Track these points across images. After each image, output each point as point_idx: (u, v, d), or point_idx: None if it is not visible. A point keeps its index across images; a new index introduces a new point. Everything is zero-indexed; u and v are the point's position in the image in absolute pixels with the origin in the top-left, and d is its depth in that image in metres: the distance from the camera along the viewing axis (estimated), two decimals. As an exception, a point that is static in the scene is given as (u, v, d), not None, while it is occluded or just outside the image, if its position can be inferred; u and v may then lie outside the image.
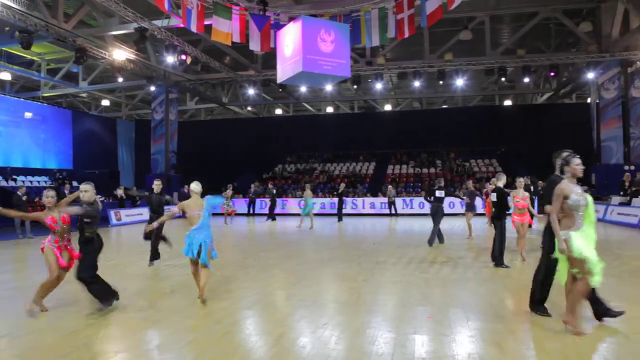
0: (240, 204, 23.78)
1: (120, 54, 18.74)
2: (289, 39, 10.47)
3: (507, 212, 8.70)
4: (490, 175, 22.58)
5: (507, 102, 30.90)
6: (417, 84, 21.52)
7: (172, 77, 23.94)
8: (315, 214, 22.71)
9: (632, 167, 19.08)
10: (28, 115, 24.70)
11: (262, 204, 23.76)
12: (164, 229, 9.30)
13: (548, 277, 5.25)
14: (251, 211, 23.60)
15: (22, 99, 25.46)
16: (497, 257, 8.47)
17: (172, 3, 12.61)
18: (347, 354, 4.34)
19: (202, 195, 6.41)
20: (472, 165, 27.40)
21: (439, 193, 11.50)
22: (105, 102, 30.74)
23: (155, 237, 9.15)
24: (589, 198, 4.74)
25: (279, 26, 12.44)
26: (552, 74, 20.92)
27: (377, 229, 16.94)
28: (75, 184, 20.84)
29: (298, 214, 17.68)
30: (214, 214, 6.44)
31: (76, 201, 6.08)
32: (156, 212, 9.10)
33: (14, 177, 22.26)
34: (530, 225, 13.48)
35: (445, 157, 28.52)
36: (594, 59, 19.76)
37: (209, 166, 28.51)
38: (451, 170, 26.77)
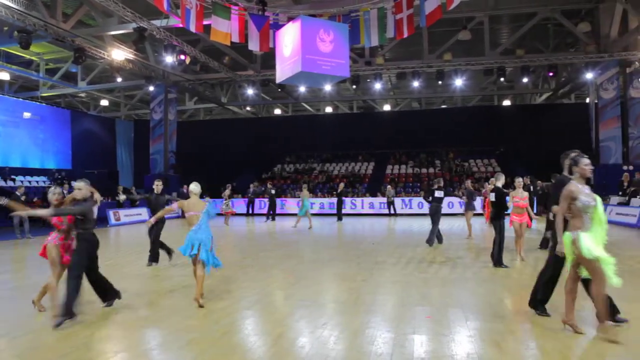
0: (240, 204, 23.78)
1: (119, 54, 18.71)
2: (288, 39, 10.47)
3: (506, 212, 8.70)
4: (489, 175, 22.59)
5: (506, 102, 30.93)
6: (416, 84, 21.52)
7: (171, 77, 23.93)
8: (315, 214, 22.79)
9: (631, 167, 19.11)
10: (27, 115, 24.67)
11: (261, 204, 23.76)
12: (166, 234, 9.29)
13: (553, 279, 5.20)
14: (250, 211, 23.59)
15: (20, 99, 25.43)
16: (496, 257, 8.48)
17: (171, 3, 12.60)
18: (346, 354, 4.34)
19: (202, 195, 6.40)
20: (471, 165, 27.42)
21: (438, 193, 11.50)
22: (104, 102, 30.72)
23: (155, 238, 9.13)
24: (598, 199, 4.68)
25: (278, 26, 12.43)
26: (550, 74, 20.94)
27: (376, 229, 16.95)
28: (74, 184, 20.80)
29: (297, 214, 17.67)
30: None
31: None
32: (157, 212, 9.10)
33: (13, 177, 22.23)
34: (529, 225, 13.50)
35: (444, 157, 28.54)
36: (592, 59, 19.78)
37: (208, 166, 28.50)
38: (450, 170, 26.79)
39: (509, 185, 12.15)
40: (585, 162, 4.75)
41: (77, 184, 5.67)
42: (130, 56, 19.41)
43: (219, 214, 19.53)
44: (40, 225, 17.29)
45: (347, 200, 23.01)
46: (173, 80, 24.23)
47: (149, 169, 25.20)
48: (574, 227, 4.62)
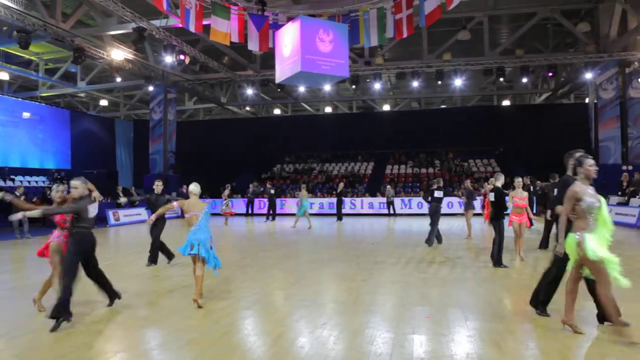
0: (239, 204, 23.78)
1: (119, 54, 18.70)
2: (288, 39, 10.47)
3: (505, 212, 8.71)
4: (488, 175, 22.60)
5: (506, 102, 30.93)
6: (415, 84, 21.52)
7: (170, 77, 23.92)
8: (315, 214, 22.78)
9: (630, 167, 19.12)
10: (26, 115, 24.65)
11: (261, 204, 23.77)
12: (166, 234, 9.28)
13: (556, 280, 5.16)
14: (250, 211, 23.59)
15: (20, 99, 25.40)
16: (496, 257, 8.48)
17: (171, 3, 12.59)
18: (345, 354, 4.35)
19: (201, 195, 6.40)
20: (470, 165, 27.43)
21: (437, 193, 11.50)
22: (104, 102, 30.70)
23: (155, 238, 9.13)
24: (603, 200, 4.65)
25: (277, 26, 12.43)
26: (550, 74, 20.94)
27: (375, 229, 16.95)
28: (71, 182, 20.78)
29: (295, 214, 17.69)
30: (213, 214, 6.42)
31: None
32: None
33: (12, 177, 22.22)
34: (531, 225, 13.50)
35: (443, 157, 28.55)
36: (592, 59, 19.79)
37: (207, 166, 28.49)
38: (450, 170, 26.80)
39: (509, 185, 12.16)
40: (590, 163, 4.70)
41: (73, 183, 5.65)
42: (130, 56, 19.40)
43: (218, 214, 19.57)
44: (40, 226, 17.28)
45: (347, 200, 23.00)
46: (172, 80, 24.22)
47: (149, 169, 25.18)
48: (578, 228, 4.59)
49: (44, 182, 23.71)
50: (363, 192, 25.20)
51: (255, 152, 30.57)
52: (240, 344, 4.71)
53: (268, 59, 20.11)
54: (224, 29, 12.50)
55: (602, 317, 4.96)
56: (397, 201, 22.73)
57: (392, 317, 5.47)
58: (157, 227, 9.03)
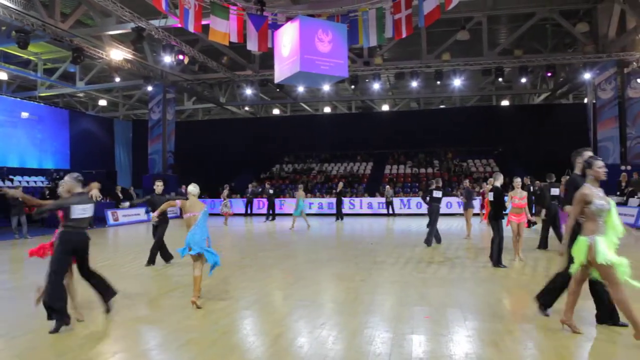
0: (238, 204, 23.78)
1: (118, 54, 18.68)
2: (287, 39, 10.47)
3: (504, 212, 8.72)
4: (487, 175, 22.63)
5: (505, 103, 30.94)
6: (414, 84, 21.51)
7: (169, 77, 23.89)
8: (314, 214, 22.78)
9: (629, 167, 19.14)
10: (25, 115, 24.61)
11: (260, 204, 23.77)
12: (166, 236, 9.28)
13: (564, 284, 5.02)
14: (249, 211, 23.59)
15: (18, 99, 25.36)
16: (495, 257, 8.49)
17: (170, 3, 12.57)
18: (344, 354, 4.35)
19: (200, 195, 6.40)
20: (469, 166, 27.45)
21: (436, 193, 11.52)
22: (103, 102, 30.66)
23: (158, 238, 9.13)
24: (612, 202, 4.58)
25: (276, 26, 12.44)
26: (549, 74, 20.94)
27: (374, 229, 16.96)
28: None
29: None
30: (213, 214, 6.42)
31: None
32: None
33: (11, 177, 22.18)
34: (529, 225, 13.53)
35: (442, 157, 28.56)
36: (590, 60, 19.81)
37: (206, 166, 28.48)
38: (449, 170, 26.82)
39: (508, 185, 12.18)
40: (600, 165, 4.63)
41: (64, 178, 5.63)
42: (129, 56, 19.38)
43: (218, 214, 19.56)
44: (39, 226, 17.26)
45: (346, 200, 23.00)
46: (171, 80, 24.20)
47: (148, 169, 25.16)
48: (589, 231, 4.50)
49: (42, 182, 23.68)
50: (362, 192, 25.21)
51: (254, 152, 30.56)
52: (239, 344, 4.72)
53: (267, 59, 20.11)
54: (223, 29, 12.50)
55: (601, 317, 4.96)
56: (396, 201, 22.74)
57: (391, 317, 5.47)
58: (160, 227, 9.04)
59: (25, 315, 5.71)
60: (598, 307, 4.97)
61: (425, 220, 12.43)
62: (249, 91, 24.53)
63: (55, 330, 4.97)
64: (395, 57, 22.95)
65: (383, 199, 22.70)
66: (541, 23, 19.97)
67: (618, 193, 17.22)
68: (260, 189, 24.20)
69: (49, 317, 5.07)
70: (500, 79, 21.42)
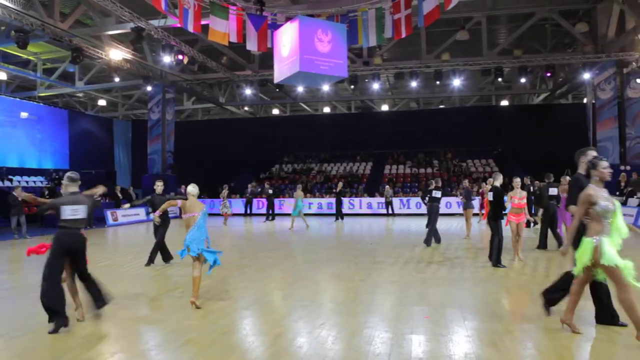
0: (238, 204, 23.78)
1: (117, 54, 18.67)
2: (286, 39, 10.47)
3: (504, 212, 8.72)
4: (487, 176, 22.63)
5: (504, 103, 30.96)
6: (414, 84, 21.52)
7: (169, 77, 23.88)
8: (313, 214, 22.77)
9: (628, 168, 19.15)
10: (24, 115, 24.58)
11: (260, 204, 23.77)
12: (168, 236, 9.27)
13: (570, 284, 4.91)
14: (248, 211, 23.59)
15: (18, 99, 25.32)
16: (495, 257, 8.49)
17: (169, 3, 12.57)
18: (344, 354, 4.35)
19: (199, 196, 6.40)
20: (468, 166, 27.45)
21: (435, 193, 11.52)
22: (102, 102, 30.63)
23: (160, 238, 9.13)
24: (617, 203, 4.53)
25: (276, 26, 12.44)
26: (548, 74, 20.95)
27: (374, 229, 16.96)
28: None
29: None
30: (212, 214, 6.42)
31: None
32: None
33: (10, 177, 22.16)
34: (528, 225, 13.54)
35: (442, 157, 28.56)
36: (589, 60, 19.82)
37: (205, 166, 28.47)
38: (448, 170, 26.83)
39: (507, 185, 12.18)
40: (604, 165, 4.58)
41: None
42: (128, 56, 19.37)
43: (217, 214, 19.56)
44: (38, 226, 17.26)
45: (345, 200, 22.99)
46: (171, 80, 24.19)
47: (147, 169, 25.16)
48: (594, 232, 4.44)
49: (41, 182, 23.66)
50: (362, 192, 25.21)
51: (254, 152, 30.55)
52: (238, 344, 4.71)
53: (266, 59, 20.11)
54: (223, 29, 12.50)
55: (600, 317, 4.96)
56: (396, 201, 22.74)
57: (391, 317, 5.47)
58: (162, 227, 9.04)
59: (25, 315, 5.71)
60: (597, 306, 4.97)
61: (425, 220, 12.42)
62: (248, 91, 24.52)
63: (54, 331, 4.96)
64: (395, 57, 22.95)
65: (382, 199, 22.70)
66: (540, 23, 19.98)
67: (617, 193, 17.23)
68: (259, 189, 24.19)
69: (50, 320, 5.04)
70: (499, 79, 21.45)
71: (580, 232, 4.59)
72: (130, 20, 15.31)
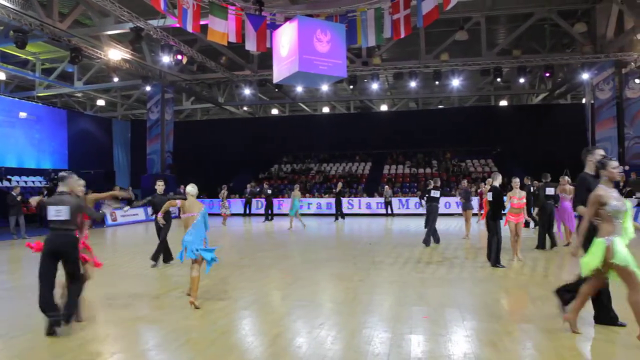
0: (237, 204, 23.76)
1: (116, 54, 18.65)
2: (285, 39, 10.47)
3: (503, 212, 8.73)
4: (486, 176, 22.64)
5: (503, 103, 30.97)
6: (413, 84, 21.53)
7: (167, 77, 23.86)
8: (313, 214, 22.78)
9: (627, 168, 19.18)
10: (22, 115, 24.54)
11: (259, 204, 23.77)
12: (170, 236, 9.27)
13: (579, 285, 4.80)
14: (247, 211, 23.58)
15: (16, 99, 25.29)
16: (494, 257, 8.50)
17: (168, 3, 12.56)
18: (343, 354, 4.35)
19: (199, 196, 6.40)
20: (468, 166, 27.47)
21: (434, 193, 11.53)
22: (101, 102, 30.60)
23: (163, 238, 9.15)
24: (628, 204, 4.46)
25: (275, 26, 12.42)
26: (547, 74, 20.98)
27: (373, 229, 16.96)
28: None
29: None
30: (212, 214, 6.42)
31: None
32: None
33: (9, 177, 22.13)
34: (527, 225, 13.54)
35: (441, 157, 28.57)
36: (588, 60, 19.84)
37: (205, 166, 28.45)
38: (447, 170, 26.84)
39: (506, 185, 12.18)
40: (614, 165, 4.51)
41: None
42: (127, 56, 19.35)
43: (217, 214, 19.54)
44: (37, 226, 17.24)
45: (345, 200, 23.00)
46: (170, 80, 24.17)
47: (146, 169, 25.14)
48: (606, 232, 4.36)
49: (40, 182, 23.64)
50: (361, 192, 25.21)
51: (253, 152, 30.53)
52: (237, 344, 4.71)
53: (266, 59, 20.11)
54: (222, 29, 12.49)
55: (600, 317, 4.96)
56: (395, 201, 22.74)
57: (390, 317, 5.47)
58: (165, 226, 9.05)
59: (24, 316, 5.70)
60: (597, 307, 4.96)
61: (424, 220, 12.42)
62: (247, 91, 24.50)
63: (49, 332, 4.89)
64: (394, 57, 22.96)
65: (382, 199, 22.71)
66: (539, 23, 20.00)
67: (616, 193, 17.23)
68: (258, 189, 24.18)
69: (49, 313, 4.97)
70: (498, 79, 21.47)
71: (591, 233, 4.50)
72: (129, 20, 15.30)
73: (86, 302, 5.50)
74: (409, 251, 10.70)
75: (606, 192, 4.42)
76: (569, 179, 11.17)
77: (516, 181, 9.26)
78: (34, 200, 5.49)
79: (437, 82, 21.23)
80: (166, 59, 17.75)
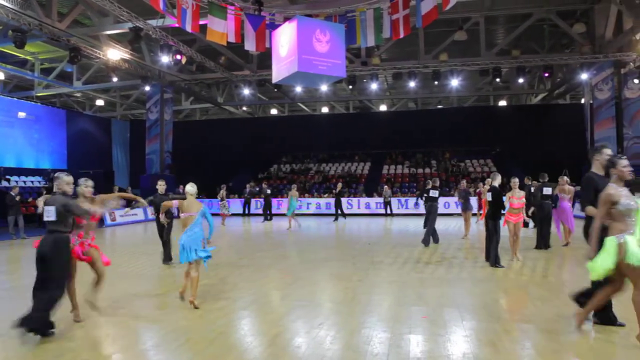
0: (236, 204, 23.75)
1: (115, 54, 18.64)
2: (284, 39, 10.46)
3: (502, 212, 8.73)
4: (485, 176, 22.65)
5: (502, 103, 31.00)
6: (412, 84, 21.55)
7: (167, 77, 23.85)
8: (312, 214, 22.78)
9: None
10: (21, 115, 24.50)
11: (258, 204, 23.76)
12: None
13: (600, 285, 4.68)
14: (246, 211, 23.57)
15: (15, 99, 25.25)
16: (493, 257, 8.50)
17: (167, 2, 12.55)
18: (342, 354, 4.35)
19: (198, 195, 6.40)
20: (467, 166, 27.49)
21: (432, 193, 11.53)
22: (100, 102, 30.57)
23: (167, 237, 9.16)
24: None
25: (274, 26, 12.41)
26: (546, 74, 20.99)
27: (372, 229, 16.96)
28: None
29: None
30: (211, 214, 6.41)
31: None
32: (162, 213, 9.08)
33: (7, 177, 22.10)
34: (527, 225, 13.55)
35: (440, 158, 28.59)
36: (587, 60, 19.85)
37: (204, 166, 28.44)
38: (446, 170, 26.85)
39: (505, 185, 12.19)
40: (624, 164, 4.43)
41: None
42: (126, 56, 19.34)
43: (217, 214, 19.53)
44: (36, 226, 17.22)
45: (344, 200, 22.99)
46: (169, 80, 24.16)
47: (145, 169, 25.13)
48: (617, 231, 4.29)
49: (39, 182, 23.60)
50: (360, 193, 25.21)
51: (252, 152, 30.52)
52: (237, 345, 4.71)
53: (265, 59, 20.10)
54: (221, 29, 12.48)
55: (599, 317, 4.95)
56: (394, 201, 22.75)
57: (389, 317, 5.47)
58: (168, 226, 9.07)
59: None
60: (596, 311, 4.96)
61: (423, 220, 12.43)
62: (246, 91, 24.49)
63: (46, 333, 4.85)
64: (393, 57, 22.96)
65: (381, 199, 22.71)
66: (538, 23, 20.02)
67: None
68: (257, 189, 24.16)
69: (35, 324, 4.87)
70: (497, 79, 21.49)
71: (601, 234, 4.41)
72: (128, 20, 15.29)
73: (97, 300, 5.48)
74: (408, 251, 10.70)
75: (616, 191, 4.36)
76: (568, 179, 11.18)
77: (515, 181, 9.27)
78: (40, 202, 5.49)
79: (436, 82, 21.24)
80: (165, 58, 17.73)
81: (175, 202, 6.39)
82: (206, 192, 23.75)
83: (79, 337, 4.90)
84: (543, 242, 10.58)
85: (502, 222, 8.79)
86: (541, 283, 7.23)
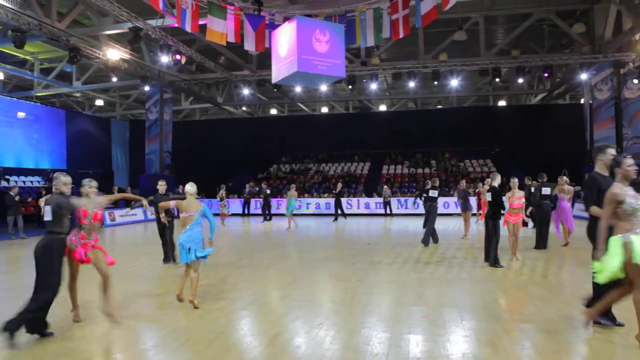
0: (235, 205, 23.75)
1: (114, 54, 18.64)
2: (284, 39, 10.46)
3: (502, 212, 8.74)
4: (484, 176, 22.66)
5: (502, 103, 31.01)
6: (411, 84, 21.55)
7: (166, 77, 23.84)
8: (312, 214, 22.78)
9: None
10: (21, 115, 24.50)
11: (257, 204, 23.77)
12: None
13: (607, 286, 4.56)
14: (246, 211, 23.57)
15: (15, 99, 25.24)
16: (493, 257, 8.50)
17: (167, 3, 12.55)
18: (342, 354, 4.35)
19: (197, 195, 6.40)
20: (466, 166, 27.50)
21: (432, 192, 11.54)
22: (99, 102, 30.56)
23: (170, 237, 9.16)
24: None
25: (273, 26, 12.41)
26: (545, 74, 21.00)
27: (372, 229, 16.96)
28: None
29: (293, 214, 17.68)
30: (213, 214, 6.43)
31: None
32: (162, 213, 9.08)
33: (7, 177, 22.10)
34: (526, 225, 13.57)
35: (439, 158, 28.60)
36: (587, 60, 19.86)
37: (203, 166, 28.43)
38: (446, 170, 26.86)
39: (505, 185, 12.20)
40: (629, 163, 4.41)
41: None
42: (126, 56, 19.33)
43: (216, 214, 19.54)
44: (35, 226, 17.20)
45: (344, 200, 22.98)
46: (169, 80, 24.15)
47: (145, 169, 25.12)
48: (623, 230, 4.28)
49: (39, 182, 23.60)
50: (360, 193, 25.21)
51: (252, 152, 30.52)
52: (236, 345, 4.71)
53: (264, 59, 20.10)
54: (220, 29, 12.47)
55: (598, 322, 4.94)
56: (394, 201, 22.75)
57: (389, 317, 5.47)
58: (169, 226, 9.07)
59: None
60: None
61: (422, 220, 12.43)
62: (246, 91, 24.49)
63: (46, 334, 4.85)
64: (393, 57, 22.96)
65: (380, 199, 22.71)
66: (538, 24, 20.02)
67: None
68: (257, 189, 24.16)
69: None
70: (497, 80, 21.49)
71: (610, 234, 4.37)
72: (127, 20, 15.28)
73: (106, 300, 5.47)
74: (408, 251, 10.70)
75: (622, 190, 4.34)
76: (567, 179, 11.18)
77: (515, 181, 9.28)
78: (42, 203, 5.48)
79: (435, 82, 21.25)
80: (165, 58, 17.73)
81: (172, 203, 6.39)
82: (206, 192, 23.75)
83: (78, 337, 4.90)
84: (542, 242, 10.59)
85: (501, 222, 8.79)
86: (541, 283, 7.24)
